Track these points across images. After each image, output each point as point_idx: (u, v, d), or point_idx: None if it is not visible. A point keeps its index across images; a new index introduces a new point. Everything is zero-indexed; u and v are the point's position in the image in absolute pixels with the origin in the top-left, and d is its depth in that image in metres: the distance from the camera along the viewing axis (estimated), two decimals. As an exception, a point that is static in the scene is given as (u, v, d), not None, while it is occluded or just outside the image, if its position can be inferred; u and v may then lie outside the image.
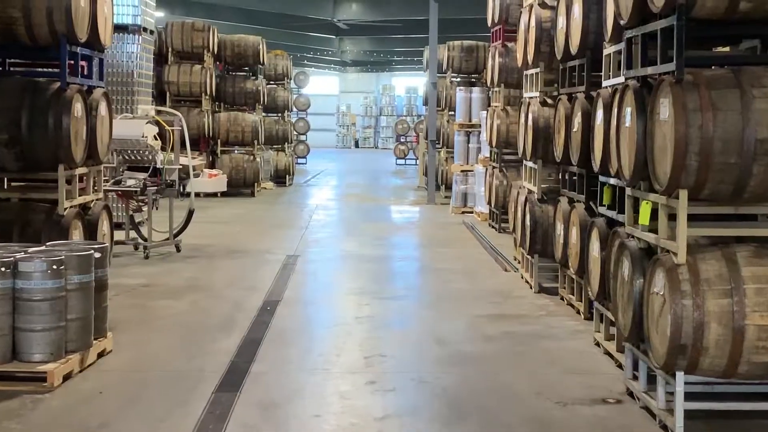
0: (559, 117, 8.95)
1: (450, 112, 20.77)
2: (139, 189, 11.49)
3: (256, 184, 20.97)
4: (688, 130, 5.06)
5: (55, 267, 6.10)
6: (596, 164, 7.31)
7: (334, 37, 38.10)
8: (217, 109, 21.60)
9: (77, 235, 7.54)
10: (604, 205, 7.21)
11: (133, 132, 11.56)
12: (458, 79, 21.17)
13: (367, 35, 37.54)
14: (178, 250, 12.11)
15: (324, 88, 53.76)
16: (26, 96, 7.21)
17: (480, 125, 17.46)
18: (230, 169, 20.54)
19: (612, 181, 6.93)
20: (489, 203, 15.32)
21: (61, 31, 7.16)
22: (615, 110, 6.52)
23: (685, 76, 5.15)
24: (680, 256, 5.19)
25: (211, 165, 20.52)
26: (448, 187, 20.34)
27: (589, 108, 7.99)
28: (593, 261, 7.44)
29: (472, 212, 17.27)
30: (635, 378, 5.90)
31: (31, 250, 6.40)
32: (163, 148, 11.98)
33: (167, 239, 12.11)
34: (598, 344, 7.29)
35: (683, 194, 5.18)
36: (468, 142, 18.10)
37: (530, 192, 10.00)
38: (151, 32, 14.71)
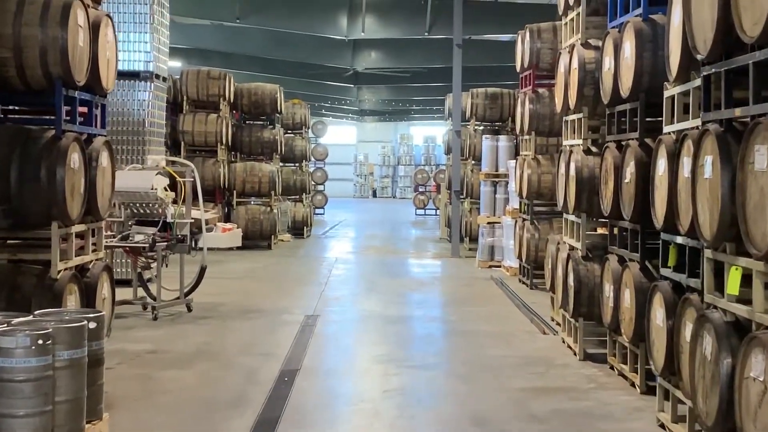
0: (607, 166, 8.12)
1: (473, 161, 20.00)
2: (147, 245, 10.70)
3: (273, 236, 20.18)
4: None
5: (40, 342, 5.25)
6: (658, 220, 6.45)
7: (352, 86, 37.62)
8: (233, 159, 20.91)
9: (73, 300, 6.71)
10: (669, 267, 6.33)
11: (141, 184, 10.81)
12: (482, 128, 20.43)
13: (385, 84, 37.03)
14: (189, 309, 11.28)
15: (342, 137, 53.40)
16: (17, 145, 6.44)
17: (507, 175, 16.68)
18: (246, 221, 19.77)
19: (679, 239, 6.06)
20: (519, 257, 14.44)
21: (57, 73, 6.41)
22: (684, 159, 5.69)
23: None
24: (783, 335, 4.30)
25: (227, 217, 19.75)
26: (473, 240, 19.54)
27: (644, 156, 7.18)
28: (656, 330, 6.54)
29: (499, 266, 16.38)
30: (720, 475, 4.98)
31: (14, 321, 5.55)
32: (175, 201, 11.22)
33: (177, 298, 11.28)
34: (662, 426, 6.37)
35: (788, 260, 4.32)
36: (495, 193, 17.28)
37: (573, 248, 9.12)
38: (164, 79, 14.04)
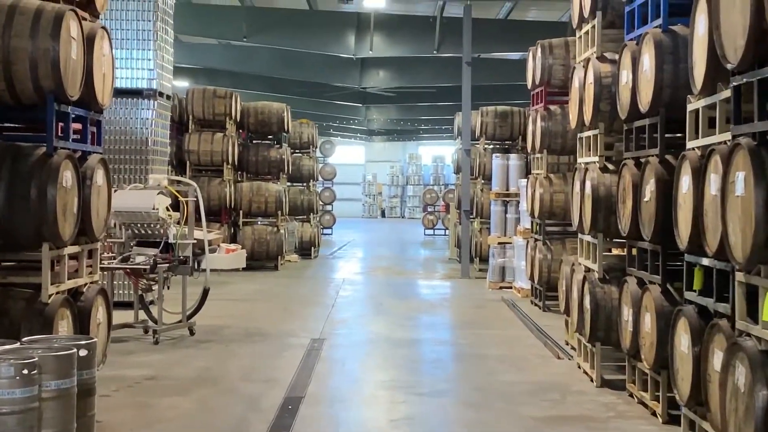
0: (624, 185, 7.78)
1: (483, 181, 19.67)
2: (148, 266, 10.38)
3: (279, 256, 19.84)
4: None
5: (25, 372, 4.93)
6: (682, 241, 6.10)
7: (360, 105, 37.42)
8: (239, 179, 20.62)
9: (65, 326, 6.38)
10: (694, 291, 5.97)
11: (143, 203, 10.50)
12: (491, 146, 20.12)
13: (393, 103, 36.81)
14: (192, 333, 10.94)
15: (350, 157, 53.21)
16: (5, 163, 6.13)
17: (518, 194, 16.34)
18: (253, 241, 19.44)
19: (706, 261, 5.70)
20: (531, 279, 14.08)
21: (48, 86, 6.10)
22: (711, 176, 5.34)
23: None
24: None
25: (233, 237, 19.42)
26: (483, 260, 19.18)
27: (665, 174, 6.84)
28: (680, 357, 6.17)
29: (510, 287, 16.01)
30: None
31: (0, 349, 5.24)
32: (178, 221, 10.90)
33: (180, 321, 10.95)
34: (688, 459, 6.00)
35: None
36: (506, 212, 16.94)
37: (589, 270, 8.76)
38: (168, 97, 13.76)
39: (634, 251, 7.78)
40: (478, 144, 19.98)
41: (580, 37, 9.30)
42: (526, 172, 16.99)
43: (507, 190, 17.08)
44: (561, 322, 11.26)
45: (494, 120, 19.71)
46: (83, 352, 5.54)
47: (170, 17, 13.76)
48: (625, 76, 7.68)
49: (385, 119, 43.34)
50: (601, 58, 8.43)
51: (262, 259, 19.59)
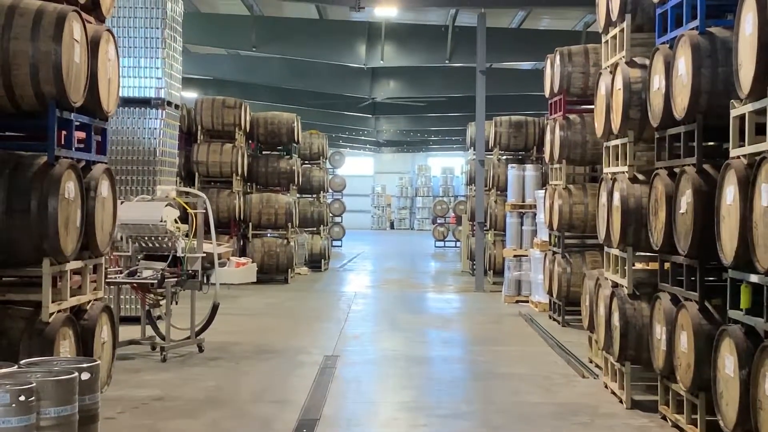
0: (657, 196, 7.39)
1: (497, 192, 19.26)
2: (156, 281, 10.01)
3: (290, 269, 19.45)
4: None
5: (22, 398, 4.56)
6: (726, 256, 5.70)
7: (370, 116, 37.09)
8: (248, 190, 20.26)
9: (67, 346, 6.00)
10: (741, 310, 5.56)
11: (150, 216, 10.15)
12: (505, 157, 19.73)
13: (403, 114, 36.49)
14: (201, 350, 10.56)
15: (359, 168, 52.92)
16: (4, 173, 5.76)
17: (534, 205, 15.94)
18: (262, 254, 19.06)
19: (754, 278, 5.30)
20: (550, 293, 13.66)
21: (49, 92, 5.73)
22: (762, 186, 4.95)
23: None
24: None
25: (242, 250, 19.05)
26: (496, 273, 18.78)
27: (703, 184, 6.45)
28: (724, 381, 5.76)
29: (527, 301, 15.59)
30: None
31: (-5, 372, 4.87)
32: (186, 234, 10.54)
33: (188, 338, 10.57)
34: (734, 491, 5.58)
35: None
36: (521, 224, 16.51)
37: (617, 285, 8.35)
38: (177, 107, 13.41)
39: (667, 266, 7.38)
40: (491, 155, 19.59)
41: (606, 41, 8.91)
42: (542, 182, 16.62)
43: (523, 201, 16.68)
44: (582, 338, 10.86)
45: (508, 130, 19.33)
46: (85, 376, 5.16)
47: (179, 25, 13.43)
48: (657, 82, 7.29)
49: (395, 130, 43.03)
50: (631, 63, 8.04)
51: (271, 272, 19.22)
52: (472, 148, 21.30)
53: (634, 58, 8.06)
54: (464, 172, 26.65)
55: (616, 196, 8.11)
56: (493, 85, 22.05)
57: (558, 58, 13.19)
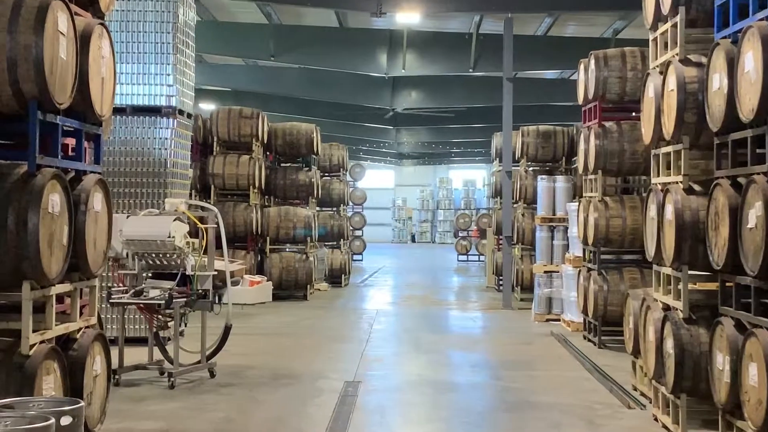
0: (717, 208, 6.59)
1: (525, 204, 18.46)
2: (164, 301, 9.29)
3: (309, 285, 18.70)
4: None
5: (-15, 452, 3.83)
6: (813, 278, 4.88)
7: (390, 128, 36.42)
8: (266, 203, 19.54)
9: (51, 382, 5.25)
10: (834, 342, 4.75)
11: (158, 231, 9.44)
12: (532, 168, 18.93)
13: (424, 125, 35.77)
14: (212, 375, 9.83)
15: (379, 181, 52.32)
16: (-22, 184, 5.04)
17: (566, 219, 15.13)
18: (280, 269, 18.33)
19: None
20: (585, 312, 12.83)
21: (30, 91, 5.01)
22: None
23: None
24: None
25: (260, 265, 18.32)
26: (524, 289, 17.99)
27: (777, 195, 5.64)
28: (812, 425, 4.94)
29: (558, 320, 14.77)
30: None
31: (-42, 418, 4.14)
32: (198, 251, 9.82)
33: (198, 362, 9.84)
34: None
35: None
36: (552, 239, 15.70)
37: (669, 308, 7.52)
38: (189, 116, 12.71)
39: (730, 286, 6.56)
40: (518, 166, 18.80)
41: (655, 39, 8.10)
42: (573, 195, 15.83)
43: (553, 214, 15.88)
44: (622, 361, 10.06)
45: (536, 140, 18.55)
46: (66, 420, 4.42)
47: (191, 30, 12.74)
48: (718, 81, 6.50)
49: (416, 142, 42.33)
50: (685, 61, 7.24)
51: (290, 288, 18.49)
52: (498, 159, 20.55)
53: (688, 56, 7.26)
54: (487, 184, 25.85)
55: (669, 209, 7.30)
56: (516, 94, 21.32)
57: (593, 62, 12.41)
